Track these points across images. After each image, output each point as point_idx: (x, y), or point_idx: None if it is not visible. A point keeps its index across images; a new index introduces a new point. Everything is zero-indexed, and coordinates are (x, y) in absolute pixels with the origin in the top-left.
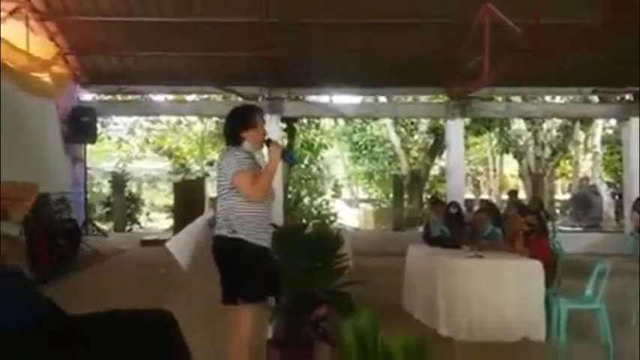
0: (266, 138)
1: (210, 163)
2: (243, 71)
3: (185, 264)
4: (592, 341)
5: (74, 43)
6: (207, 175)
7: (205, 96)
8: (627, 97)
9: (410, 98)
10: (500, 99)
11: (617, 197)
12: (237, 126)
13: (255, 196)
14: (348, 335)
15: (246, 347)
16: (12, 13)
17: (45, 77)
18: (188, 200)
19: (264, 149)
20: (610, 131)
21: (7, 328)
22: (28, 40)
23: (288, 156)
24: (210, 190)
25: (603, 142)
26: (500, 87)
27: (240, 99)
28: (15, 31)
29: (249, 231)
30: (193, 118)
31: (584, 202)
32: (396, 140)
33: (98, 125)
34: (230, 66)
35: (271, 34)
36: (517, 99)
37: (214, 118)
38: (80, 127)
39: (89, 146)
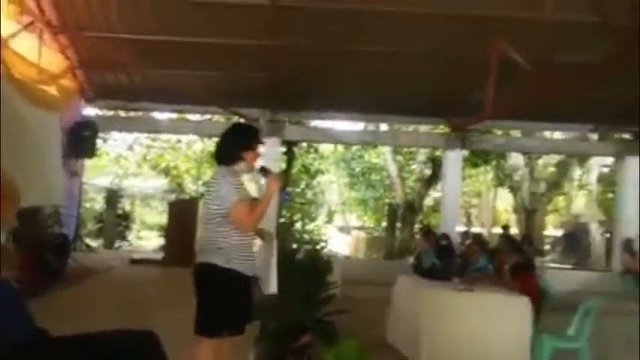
0: (261, 165)
1: (206, 184)
2: (246, 93)
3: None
4: None
5: (83, 58)
6: (202, 195)
7: (208, 116)
8: (626, 136)
9: (411, 128)
10: (499, 132)
11: (607, 236)
12: (240, 144)
13: (250, 228)
14: None
15: None
16: (27, 26)
17: (52, 90)
18: (181, 220)
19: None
20: (606, 170)
21: None
22: (40, 53)
23: (285, 193)
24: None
25: (599, 180)
26: (500, 121)
27: (242, 120)
28: (28, 44)
29: (242, 261)
30: (193, 137)
31: (574, 240)
32: (393, 168)
33: (98, 140)
34: (234, 87)
35: (277, 57)
36: (516, 133)
37: (214, 139)
38: (80, 142)
39: (87, 161)
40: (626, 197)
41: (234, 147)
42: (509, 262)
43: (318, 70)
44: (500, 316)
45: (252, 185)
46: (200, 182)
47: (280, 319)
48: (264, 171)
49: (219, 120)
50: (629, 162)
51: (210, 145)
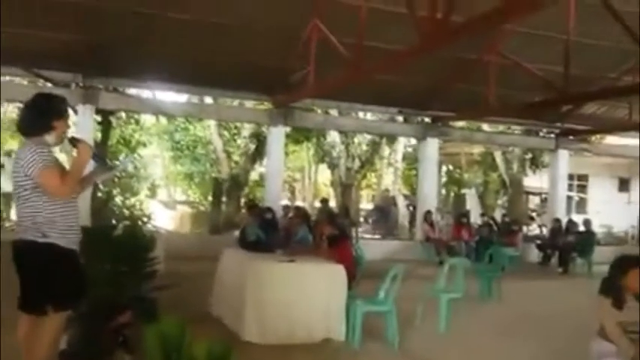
0: (71, 136)
1: (9, 154)
2: (55, 54)
3: None
4: (382, 342)
5: None
6: (2, 166)
7: (7, 78)
8: (426, 119)
9: (236, 102)
10: (319, 111)
11: (411, 209)
12: (50, 114)
13: (63, 195)
14: (151, 343)
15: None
16: None
17: None
18: None
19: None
20: (410, 149)
21: None
22: None
23: (99, 158)
24: (6, 185)
25: (404, 158)
26: (320, 100)
27: (49, 84)
28: None
29: (60, 233)
30: None
31: (383, 212)
32: (218, 143)
33: None
34: (40, 47)
35: (92, 18)
36: (334, 112)
37: (16, 104)
38: None
39: None
40: (427, 174)
41: (40, 118)
42: (326, 234)
43: (138, 34)
44: (319, 285)
45: (63, 157)
46: (2, 152)
47: (94, 298)
48: (73, 141)
49: (22, 82)
50: (429, 143)
51: (12, 110)
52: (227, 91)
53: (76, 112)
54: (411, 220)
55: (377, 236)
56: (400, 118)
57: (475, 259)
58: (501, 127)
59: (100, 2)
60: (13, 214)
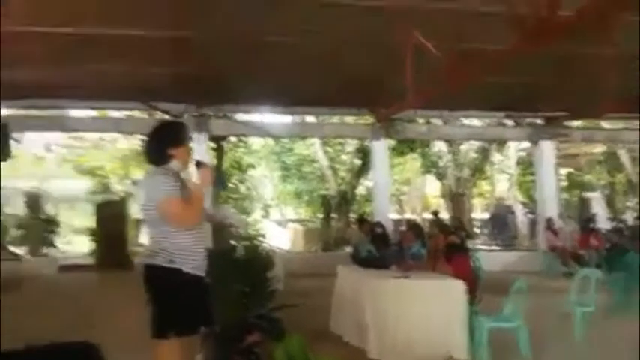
0: (196, 160)
1: (135, 183)
2: (168, 87)
3: None
4: (513, 357)
5: None
6: (132, 195)
7: (129, 112)
8: (538, 121)
9: (336, 119)
10: (422, 121)
11: (530, 216)
12: (167, 143)
13: (186, 225)
14: None
15: None
16: None
17: None
18: (111, 221)
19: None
20: (523, 153)
21: None
22: None
23: (220, 181)
24: (136, 211)
25: (517, 163)
26: (422, 110)
27: (165, 116)
28: None
29: (187, 260)
30: (117, 135)
31: (500, 222)
32: (324, 160)
33: (12, 142)
34: (155, 82)
35: (198, 50)
36: (438, 121)
37: (139, 136)
38: None
39: (2, 164)
40: (544, 179)
41: (162, 145)
42: (442, 247)
43: (242, 62)
44: (437, 300)
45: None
46: (128, 182)
47: (223, 320)
48: (198, 165)
49: (142, 117)
50: (543, 146)
51: (135, 142)
52: (327, 108)
53: (191, 139)
54: (531, 229)
55: (495, 247)
56: (509, 122)
57: (607, 269)
58: (623, 124)
59: (207, 36)
60: (143, 239)
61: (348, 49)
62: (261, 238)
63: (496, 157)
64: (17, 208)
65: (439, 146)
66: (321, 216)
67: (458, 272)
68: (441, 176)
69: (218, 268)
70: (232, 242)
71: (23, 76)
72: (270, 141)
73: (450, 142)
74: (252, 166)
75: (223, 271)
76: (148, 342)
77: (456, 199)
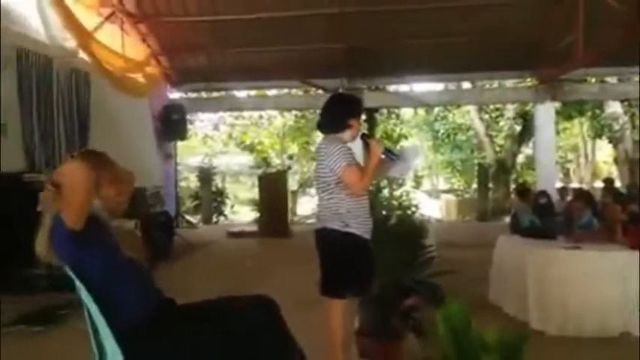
0: (362, 132)
1: (291, 157)
2: (322, 64)
3: None
4: None
5: (164, 44)
6: (289, 168)
7: (286, 90)
8: None
9: (496, 83)
10: (593, 80)
11: None
12: (347, 113)
13: (361, 192)
14: (441, 327)
15: (340, 337)
16: (108, 17)
17: (139, 77)
18: (272, 193)
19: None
20: None
21: (135, 320)
22: (123, 43)
23: (389, 152)
24: (292, 183)
25: None
26: (594, 67)
27: (320, 92)
28: (110, 35)
29: (359, 225)
30: (274, 113)
31: None
32: (480, 128)
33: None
34: (309, 59)
35: (348, 24)
36: (612, 80)
37: (294, 112)
38: (171, 125)
39: (178, 142)
40: None
41: (341, 116)
42: (619, 217)
43: (392, 32)
44: (612, 273)
45: (359, 152)
46: (285, 156)
47: (382, 283)
48: (365, 137)
49: (298, 93)
50: None
51: (290, 119)
52: (485, 72)
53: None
54: None
55: None
56: None
57: None
58: None
59: (353, 10)
60: (300, 209)
61: (505, 5)
62: (414, 208)
63: None
64: (191, 182)
65: (614, 107)
66: (475, 186)
67: (637, 244)
68: (615, 140)
69: (374, 235)
70: (384, 212)
71: (192, 62)
72: (421, 111)
73: (627, 101)
74: (405, 137)
75: (379, 239)
76: (314, 299)
77: (633, 165)
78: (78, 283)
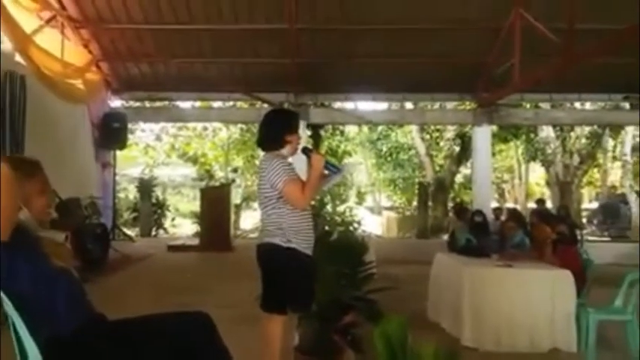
0: (303, 146)
1: (235, 170)
2: (269, 78)
3: None
4: (621, 353)
5: (106, 51)
6: (233, 181)
7: (231, 103)
8: None
9: (437, 105)
10: (528, 106)
11: None
12: (284, 129)
13: (303, 206)
14: (378, 342)
15: (278, 353)
16: (48, 21)
17: (78, 83)
18: (215, 206)
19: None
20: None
21: (61, 332)
22: (62, 48)
23: (331, 165)
24: (235, 197)
25: (633, 150)
26: (529, 93)
27: (265, 105)
28: (50, 39)
29: (300, 240)
30: (219, 125)
31: (612, 212)
32: (421, 147)
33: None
34: (256, 72)
35: (297, 41)
36: (546, 106)
37: (239, 125)
38: (111, 133)
39: (118, 152)
40: None
41: (277, 133)
42: (548, 237)
43: (339, 51)
44: (542, 291)
45: (302, 166)
46: (229, 169)
47: (321, 300)
48: (306, 151)
49: (243, 106)
50: None
51: (235, 132)
52: (427, 94)
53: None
54: None
55: (605, 238)
56: (626, 105)
57: None
58: None
59: (304, 27)
60: (243, 223)
61: (449, 30)
62: (355, 225)
63: (610, 143)
64: (130, 192)
65: (547, 132)
66: (415, 204)
67: (565, 264)
68: (547, 163)
69: (315, 251)
70: (327, 228)
71: (135, 70)
72: (366, 128)
73: (559, 127)
74: (349, 154)
75: (320, 254)
76: (255, 315)
77: (564, 187)
78: (2, 295)
